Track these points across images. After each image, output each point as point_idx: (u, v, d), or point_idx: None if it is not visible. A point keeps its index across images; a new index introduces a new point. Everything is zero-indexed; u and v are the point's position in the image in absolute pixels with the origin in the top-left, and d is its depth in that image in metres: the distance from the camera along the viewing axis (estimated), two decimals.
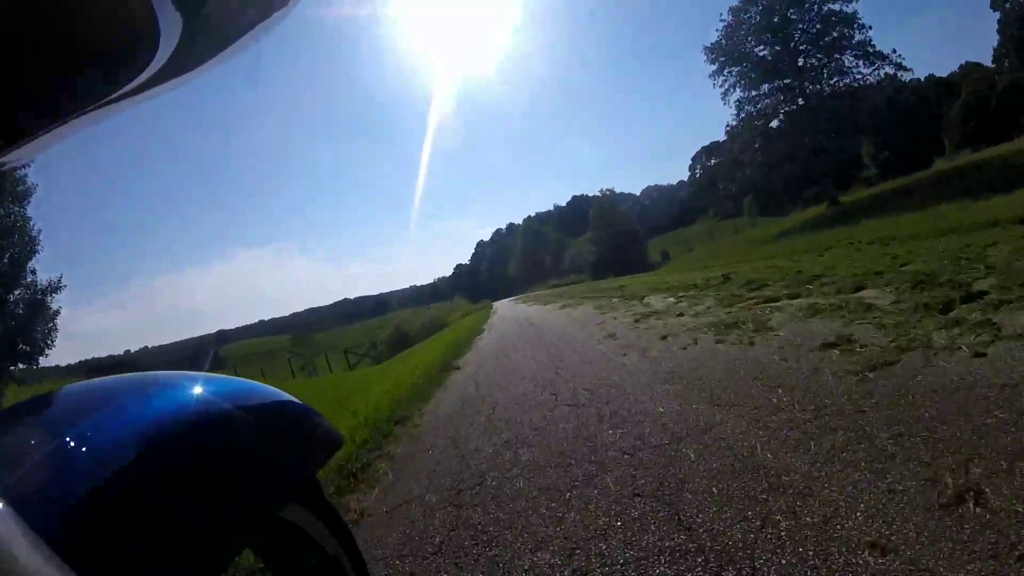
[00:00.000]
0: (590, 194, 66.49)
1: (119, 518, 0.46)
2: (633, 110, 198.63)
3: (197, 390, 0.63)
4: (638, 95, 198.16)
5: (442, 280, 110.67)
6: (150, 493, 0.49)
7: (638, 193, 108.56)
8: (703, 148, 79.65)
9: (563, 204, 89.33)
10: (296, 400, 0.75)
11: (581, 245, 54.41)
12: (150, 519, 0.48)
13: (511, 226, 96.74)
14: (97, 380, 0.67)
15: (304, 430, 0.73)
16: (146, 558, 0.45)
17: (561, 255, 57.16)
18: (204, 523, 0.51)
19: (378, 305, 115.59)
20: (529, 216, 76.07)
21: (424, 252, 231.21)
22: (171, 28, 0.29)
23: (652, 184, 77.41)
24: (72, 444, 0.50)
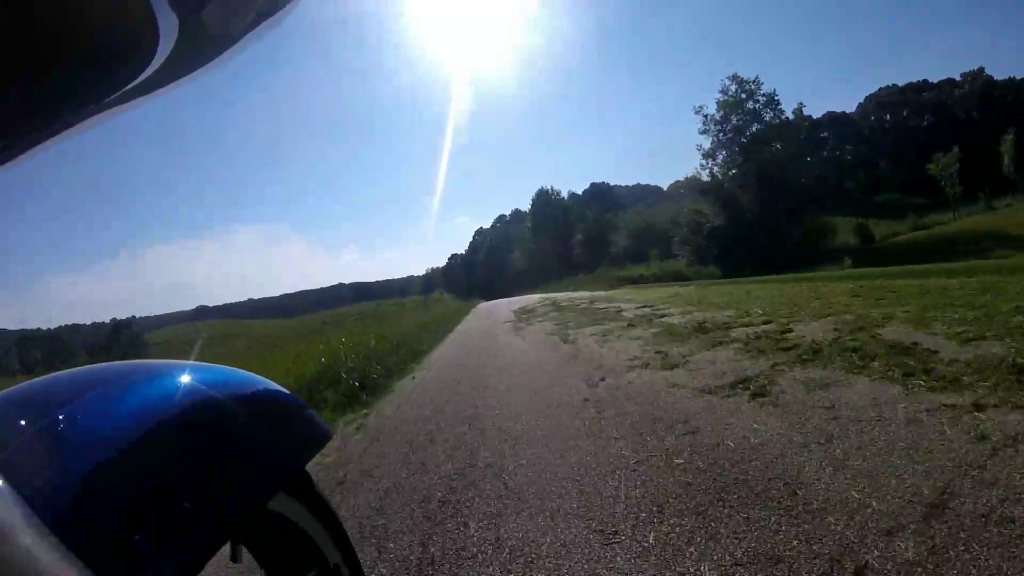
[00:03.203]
0: (612, 183, 49.14)
1: (102, 504, 0.45)
2: (656, 103, 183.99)
3: (186, 378, 0.62)
4: (660, 87, 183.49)
5: (434, 271, 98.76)
6: (135, 479, 0.49)
7: (665, 188, 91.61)
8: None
9: (579, 192, 66.71)
10: (287, 391, 0.75)
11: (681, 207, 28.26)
12: (134, 505, 0.47)
13: (517, 212, 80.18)
14: (85, 368, 0.64)
15: (295, 421, 0.73)
16: (130, 543, 0.44)
17: (604, 235, 38.37)
18: (191, 510, 0.50)
19: (358, 294, 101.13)
20: (543, 188, 54.30)
21: (428, 244, 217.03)
22: (169, 29, 0.28)
23: (681, 178, 59.76)
24: (61, 428, 0.50)
